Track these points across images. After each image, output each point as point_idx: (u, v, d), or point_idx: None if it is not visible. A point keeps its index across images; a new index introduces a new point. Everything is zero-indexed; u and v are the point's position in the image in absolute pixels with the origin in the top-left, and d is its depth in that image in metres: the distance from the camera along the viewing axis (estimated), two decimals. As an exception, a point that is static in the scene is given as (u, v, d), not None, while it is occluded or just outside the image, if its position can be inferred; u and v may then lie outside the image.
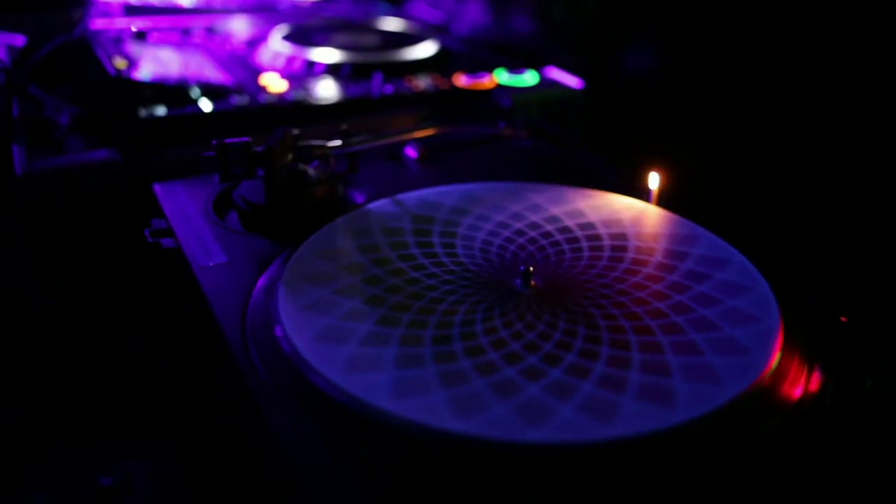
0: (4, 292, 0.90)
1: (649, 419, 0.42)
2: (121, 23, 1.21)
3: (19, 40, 1.11)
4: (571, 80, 1.07)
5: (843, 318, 0.55)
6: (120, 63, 0.93)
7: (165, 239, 0.65)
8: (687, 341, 0.49)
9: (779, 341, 0.49)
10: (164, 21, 1.23)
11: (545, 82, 1.06)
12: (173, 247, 0.64)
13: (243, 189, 0.68)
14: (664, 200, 0.70)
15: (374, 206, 0.67)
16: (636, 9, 1.42)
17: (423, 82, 1.01)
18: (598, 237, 0.63)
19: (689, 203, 0.70)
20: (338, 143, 0.70)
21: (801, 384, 0.48)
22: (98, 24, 1.19)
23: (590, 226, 0.65)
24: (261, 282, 0.57)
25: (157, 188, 0.72)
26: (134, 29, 1.13)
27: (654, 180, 0.70)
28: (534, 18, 1.42)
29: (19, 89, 0.95)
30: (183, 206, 0.69)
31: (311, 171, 0.68)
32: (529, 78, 1.06)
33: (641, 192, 0.70)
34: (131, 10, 1.28)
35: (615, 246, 0.62)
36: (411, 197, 0.69)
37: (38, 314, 0.82)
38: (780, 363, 0.48)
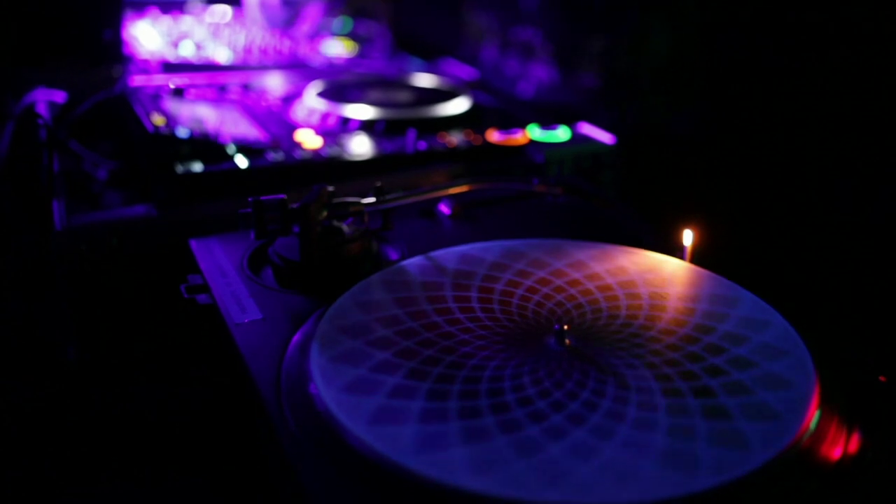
0: (41, 345, 0.91)
1: (669, 485, 0.41)
2: (159, 79, 1.24)
3: (60, 97, 1.14)
4: (604, 136, 1.07)
5: (882, 378, 0.54)
6: (158, 119, 0.94)
7: (201, 295, 0.66)
8: (717, 405, 0.48)
9: (813, 406, 0.48)
10: (200, 77, 1.25)
11: (577, 137, 1.07)
12: (209, 303, 0.64)
13: (278, 245, 0.69)
14: (697, 257, 0.69)
15: (410, 262, 0.67)
16: (695, 64, 1.43)
17: (456, 138, 1.02)
18: (637, 296, 0.63)
19: (722, 260, 0.70)
20: (372, 199, 0.70)
21: (840, 446, 0.47)
22: (137, 80, 1.21)
23: (629, 284, 0.64)
24: (295, 338, 0.57)
25: (194, 244, 0.73)
26: (172, 86, 1.15)
27: (687, 237, 0.70)
28: (570, 75, 1.44)
29: (60, 145, 0.97)
30: (219, 262, 0.69)
31: (345, 227, 0.68)
32: (562, 133, 1.07)
33: (674, 249, 0.70)
34: (169, 67, 1.30)
35: (653, 305, 0.61)
36: (450, 252, 0.69)
37: (73, 367, 0.82)
38: (817, 425, 0.47)
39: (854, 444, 0.47)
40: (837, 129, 0.97)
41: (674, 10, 1.42)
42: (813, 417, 0.47)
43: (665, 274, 0.66)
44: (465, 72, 1.43)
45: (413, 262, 0.67)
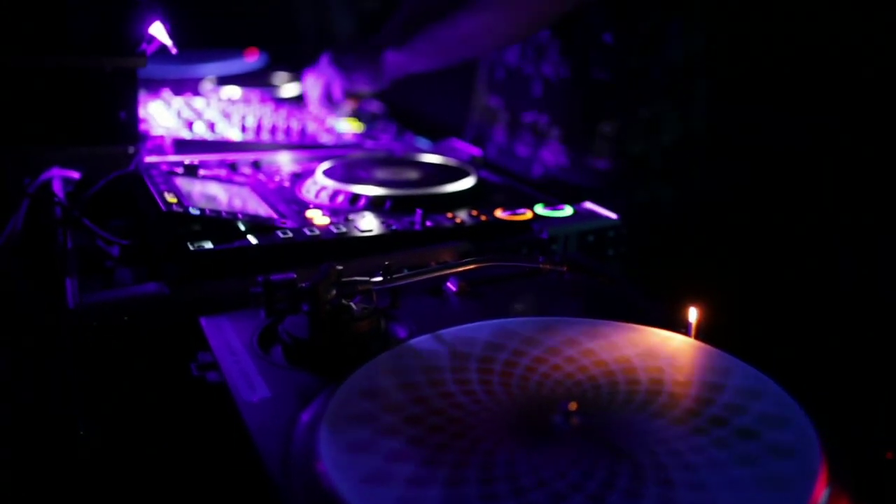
0: (50, 421, 0.92)
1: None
2: (172, 158, 1.26)
3: (75, 175, 1.16)
4: (608, 213, 1.09)
5: (888, 455, 0.54)
6: (170, 198, 0.96)
7: (210, 373, 0.67)
8: (726, 478, 0.49)
9: (822, 476, 0.48)
10: (212, 156, 1.28)
11: (582, 214, 1.08)
12: (218, 381, 0.65)
13: (288, 323, 0.70)
14: (704, 333, 0.70)
15: (414, 342, 0.68)
16: (702, 145, 1.47)
17: (463, 215, 1.04)
18: (634, 370, 0.63)
19: (731, 335, 0.70)
20: (380, 279, 0.71)
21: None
22: (150, 158, 1.24)
23: (627, 360, 0.65)
24: (304, 417, 0.58)
25: (204, 322, 0.74)
26: (186, 162, 1.18)
27: (692, 314, 0.71)
28: (580, 157, 1.47)
29: (74, 222, 0.99)
30: (228, 340, 0.70)
31: (354, 306, 0.69)
32: (567, 211, 1.08)
33: (680, 326, 0.71)
34: (182, 146, 1.33)
35: (652, 379, 0.62)
36: (450, 333, 0.70)
37: (82, 444, 0.83)
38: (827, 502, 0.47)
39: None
40: (836, 205, 0.98)
41: (685, 97, 1.46)
42: (825, 488, 0.48)
43: (662, 350, 0.67)
44: (471, 151, 1.46)
45: (421, 342, 0.68)
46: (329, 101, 1.64)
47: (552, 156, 1.52)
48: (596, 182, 1.47)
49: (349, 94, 1.63)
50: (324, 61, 1.61)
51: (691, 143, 1.52)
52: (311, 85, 1.66)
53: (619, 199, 1.11)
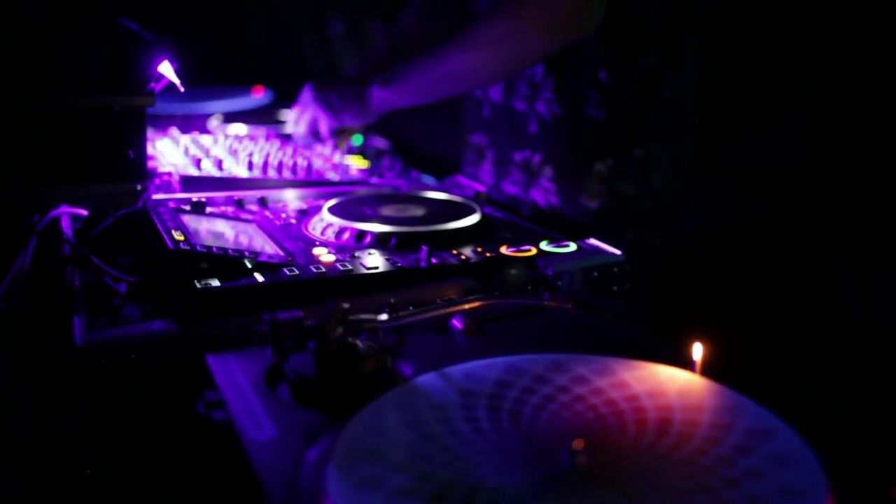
0: (56, 459, 0.91)
1: None
2: (179, 195, 1.27)
3: (83, 212, 1.17)
4: (612, 248, 1.09)
5: (893, 494, 0.54)
6: (177, 235, 0.97)
7: (217, 411, 0.67)
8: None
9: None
10: (219, 193, 1.29)
11: (586, 250, 1.09)
12: (225, 419, 0.65)
13: (294, 361, 0.70)
14: (710, 369, 0.70)
15: (421, 380, 0.68)
16: (696, 183, 1.48)
17: (468, 252, 1.04)
18: (643, 409, 0.63)
19: (737, 370, 0.70)
20: (386, 317, 0.72)
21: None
22: (158, 196, 1.25)
23: (636, 398, 0.65)
24: (311, 455, 0.58)
25: (211, 360, 0.74)
26: (194, 199, 1.19)
27: (697, 351, 0.71)
28: (569, 196, 1.47)
29: (82, 260, 1.00)
30: (235, 378, 0.71)
31: (360, 344, 0.69)
32: (571, 246, 1.09)
33: (686, 362, 0.71)
34: (189, 182, 1.34)
35: (661, 418, 0.62)
36: (457, 370, 0.70)
37: (88, 482, 0.83)
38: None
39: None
40: (837, 235, 0.99)
41: (677, 137, 1.47)
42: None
43: (668, 387, 0.67)
44: (475, 188, 1.46)
45: (428, 379, 0.68)
46: (316, 137, 1.64)
47: (543, 195, 1.52)
48: (588, 221, 1.48)
49: (336, 130, 1.63)
50: (307, 96, 1.60)
51: (684, 183, 1.52)
52: (296, 121, 1.65)
53: (610, 240, 1.11)
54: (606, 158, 1.46)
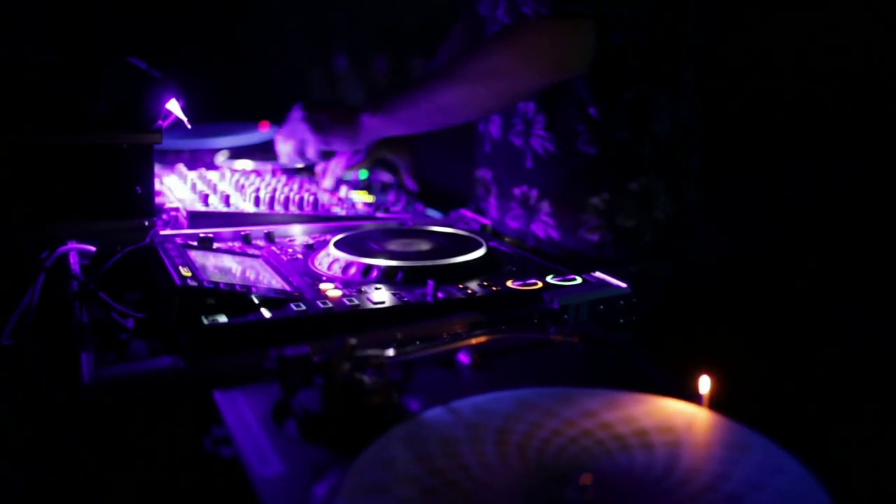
0: (64, 495, 0.92)
1: None
2: (186, 231, 1.28)
3: (91, 248, 1.18)
4: (618, 281, 1.10)
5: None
6: (185, 271, 0.97)
7: (224, 447, 0.67)
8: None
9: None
10: (227, 228, 1.30)
11: (592, 283, 1.09)
12: (232, 456, 0.65)
13: (302, 397, 0.70)
14: (716, 402, 0.70)
15: (428, 414, 0.68)
16: (698, 214, 1.48)
17: (474, 286, 1.05)
18: (651, 444, 0.63)
19: (744, 404, 0.70)
20: (392, 352, 0.72)
21: None
22: (165, 231, 1.26)
23: (644, 433, 0.65)
24: (319, 491, 0.58)
25: (218, 396, 0.74)
26: (201, 235, 1.19)
27: (704, 384, 0.71)
28: (568, 230, 1.48)
29: (90, 296, 1.00)
30: (242, 415, 0.71)
31: (367, 380, 0.70)
32: (577, 280, 1.09)
33: (693, 396, 0.71)
34: (196, 218, 1.35)
35: (669, 453, 0.62)
36: (465, 405, 0.70)
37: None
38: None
39: None
40: (842, 267, 0.99)
41: (675, 169, 1.47)
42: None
43: (677, 421, 0.67)
44: (481, 222, 1.47)
45: (433, 414, 0.68)
46: (302, 158, 1.62)
47: (543, 229, 1.53)
48: (588, 255, 1.48)
49: (323, 153, 1.62)
50: (296, 116, 1.57)
51: (685, 214, 1.53)
52: (283, 141, 1.61)
53: (614, 273, 1.12)
54: (602, 192, 1.47)
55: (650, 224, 1.48)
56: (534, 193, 1.53)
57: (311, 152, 1.55)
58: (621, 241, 1.47)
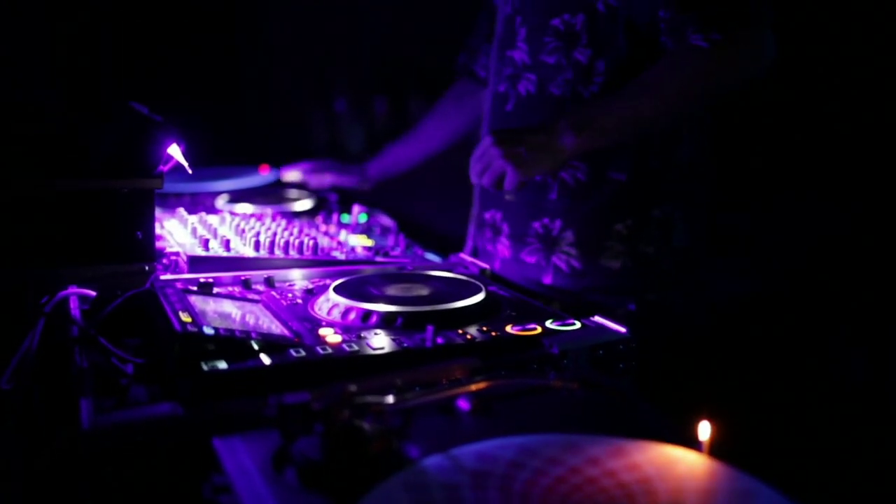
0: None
1: None
2: (187, 275, 1.28)
3: (91, 293, 1.18)
4: (617, 326, 1.10)
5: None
6: (185, 317, 0.98)
7: (224, 495, 0.67)
8: None
9: None
10: (226, 273, 1.30)
11: (591, 328, 1.09)
12: (232, 504, 0.65)
13: (302, 444, 0.70)
14: (718, 447, 0.70)
15: (428, 462, 0.68)
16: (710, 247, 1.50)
17: (473, 331, 1.05)
18: (654, 492, 0.63)
19: (742, 451, 0.70)
20: (392, 399, 0.72)
21: None
22: (165, 276, 1.26)
23: (647, 481, 0.65)
24: (317, 541, 0.58)
25: (217, 443, 0.74)
26: (201, 279, 1.20)
27: (704, 430, 0.71)
28: (591, 259, 1.49)
29: (89, 341, 1.00)
30: (242, 462, 0.71)
31: (366, 426, 0.70)
32: (576, 324, 1.09)
33: (692, 442, 0.71)
34: (196, 262, 1.35)
35: (672, 502, 0.62)
36: (467, 451, 0.70)
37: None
38: None
39: None
40: (846, 308, 0.99)
41: (692, 198, 1.49)
42: None
43: (686, 470, 0.67)
44: (480, 266, 1.47)
45: (433, 462, 0.68)
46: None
47: (564, 260, 1.54)
48: (609, 283, 1.49)
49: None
50: (493, 153, 1.48)
51: (698, 245, 1.55)
52: (478, 174, 1.53)
53: (630, 300, 1.12)
54: (626, 219, 1.49)
55: (669, 252, 1.50)
56: (556, 225, 1.54)
57: (510, 185, 1.53)
58: (641, 267, 1.49)
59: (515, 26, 1.58)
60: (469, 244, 1.80)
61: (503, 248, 1.66)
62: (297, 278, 1.34)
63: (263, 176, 2.33)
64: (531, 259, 1.60)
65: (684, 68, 1.41)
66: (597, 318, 1.13)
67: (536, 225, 1.58)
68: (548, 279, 1.57)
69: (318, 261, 1.43)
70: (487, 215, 1.70)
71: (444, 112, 1.99)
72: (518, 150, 1.42)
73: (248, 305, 1.14)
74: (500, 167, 1.43)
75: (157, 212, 1.43)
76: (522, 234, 1.61)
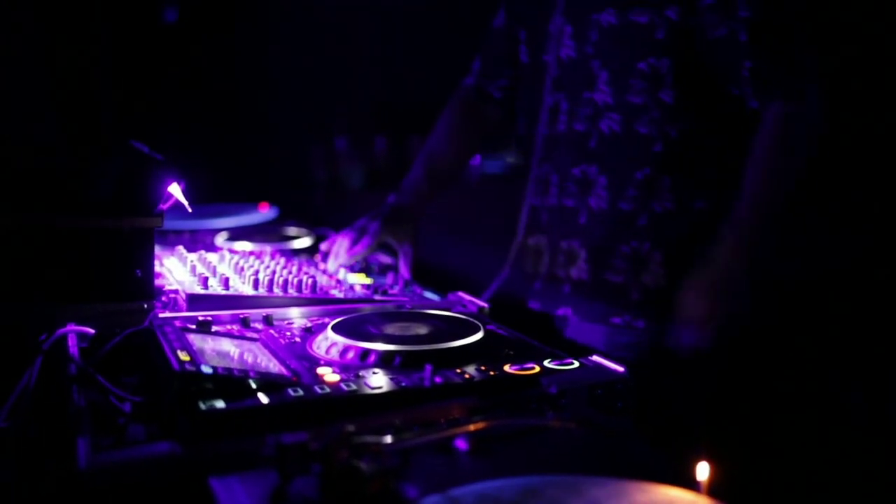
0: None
1: None
2: (185, 314, 1.29)
3: (89, 331, 1.18)
4: (615, 366, 1.10)
5: None
6: (183, 356, 0.98)
7: (221, 536, 0.67)
8: None
9: None
10: (225, 311, 1.30)
11: (589, 367, 1.09)
12: (229, 545, 0.65)
13: (299, 484, 0.70)
14: (714, 488, 0.70)
15: (427, 502, 0.68)
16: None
17: (472, 370, 1.05)
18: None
19: (740, 489, 0.70)
20: (390, 439, 0.72)
21: None
22: (164, 315, 1.26)
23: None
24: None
25: (214, 483, 0.74)
26: (200, 318, 1.20)
27: (702, 471, 0.71)
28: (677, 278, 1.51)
29: (87, 379, 1.00)
30: (239, 502, 0.70)
31: (364, 466, 0.70)
32: (574, 364, 1.09)
33: (691, 482, 0.71)
34: (195, 300, 1.35)
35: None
36: (468, 491, 0.70)
37: None
38: None
39: None
40: (844, 343, 0.99)
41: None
42: None
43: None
44: (478, 304, 1.48)
45: (431, 503, 0.68)
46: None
47: (653, 279, 1.61)
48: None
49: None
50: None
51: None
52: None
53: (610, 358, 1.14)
54: (709, 243, 1.54)
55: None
56: (645, 247, 1.62)
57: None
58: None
59: (593, 70, 1.65)
60: (507, 275, 1.82)
61: (578, 271, 1.70)
62: (296, 316, 1.34)
63: (263, 213, 2.34)
64: (617, 279, 1.66)
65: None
66: (595, 358, 1.13)
67: (625, 248, 1.65)
68: (636, 295, 1.64)
69: (317, 299, 1.43)
70: (531, 241, 1.80)
71: (460, 128, 2.01)
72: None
73: (246, 344, 1.14)
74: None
75: (157, 249, 1.43)
76: (605, 256, 1.67)
